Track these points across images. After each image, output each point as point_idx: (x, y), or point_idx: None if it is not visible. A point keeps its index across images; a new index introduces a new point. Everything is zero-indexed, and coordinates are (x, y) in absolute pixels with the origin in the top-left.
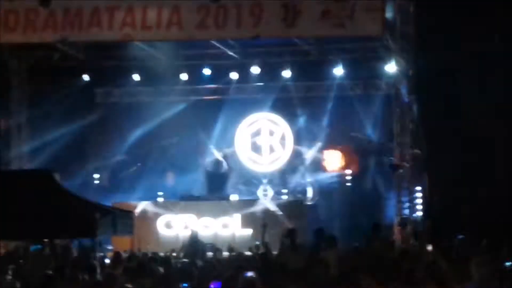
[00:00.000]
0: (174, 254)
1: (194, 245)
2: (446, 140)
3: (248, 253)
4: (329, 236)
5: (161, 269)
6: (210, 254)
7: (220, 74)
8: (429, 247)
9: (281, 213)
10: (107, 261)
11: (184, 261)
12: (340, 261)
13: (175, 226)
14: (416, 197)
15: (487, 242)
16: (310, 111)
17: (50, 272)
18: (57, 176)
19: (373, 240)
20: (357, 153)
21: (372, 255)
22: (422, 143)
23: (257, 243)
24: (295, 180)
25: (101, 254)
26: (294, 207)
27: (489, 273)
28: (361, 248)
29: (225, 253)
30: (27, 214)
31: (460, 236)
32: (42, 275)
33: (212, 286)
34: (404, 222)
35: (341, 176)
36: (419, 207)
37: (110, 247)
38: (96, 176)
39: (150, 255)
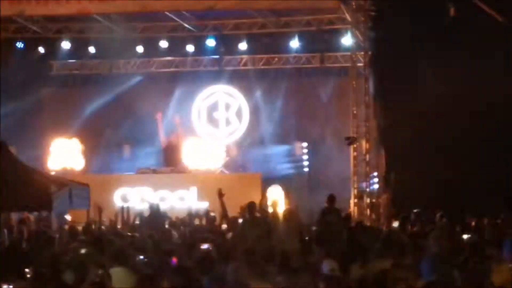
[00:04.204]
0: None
1: (155, 219)
2: (402, 113)
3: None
4: (287, 210)
5: (117, 242)
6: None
7: (176, 47)
8: (386, 220)
9: (238, 186)
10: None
11: (139, 234)
12: (294, 234)
13: (132, 199)
14: (373, 170)
15: (441, 215)
16: (266, 83)
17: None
18: (12, 149)
19: (328, 212)
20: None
21: (327, 228)
22: (378, 116)
23: (212, 214)
24: (252, 152)
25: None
26: (251, 180)
27: (447, 246)
28: (316, 221)
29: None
30: None
31: (416, 210)
32: None
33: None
34: (361, 194)
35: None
36: (376, 179)
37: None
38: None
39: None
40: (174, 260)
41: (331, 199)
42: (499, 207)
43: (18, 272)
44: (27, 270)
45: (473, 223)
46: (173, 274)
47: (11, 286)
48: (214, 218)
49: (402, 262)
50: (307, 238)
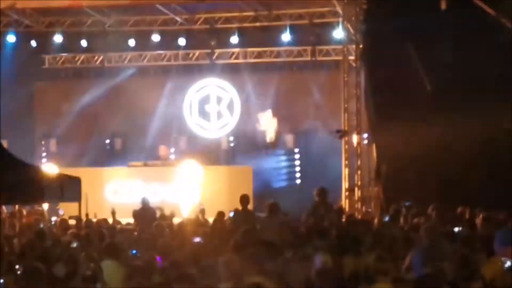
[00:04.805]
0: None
1: (145, 212)
2: (393, 106)
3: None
4: (270, 203)
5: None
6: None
7: (167, 40)
8: (377, 213)
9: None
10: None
11: (132, 228)
12: (284, 227)
13: (123, 192)
14: (364, 163)
15: (433, 208)
16: (258, 77)
17: None
18: (4, 142)
19: (319, 205)
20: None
21: (319, 221)
22: (369, 110)
23: (202, 207)
24: (243, 146)
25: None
26: (241, 172)
27: (438, 239)
28: (307, 214)
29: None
30: None
31: (407, 203)
32: None
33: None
34: (352, 188)
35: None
36: (367, 173)
37: (61, 212)
38: (45, 142)
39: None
40: (159, 258)
41: (323, 192)
42: (492, 200)
43: (9, 266)
44: (17, 264)
45: (466, 216)
46: (164, 267)
47: (2, 280)
48: (203, 210)
49: (392, 255)
50: (299, 231)
